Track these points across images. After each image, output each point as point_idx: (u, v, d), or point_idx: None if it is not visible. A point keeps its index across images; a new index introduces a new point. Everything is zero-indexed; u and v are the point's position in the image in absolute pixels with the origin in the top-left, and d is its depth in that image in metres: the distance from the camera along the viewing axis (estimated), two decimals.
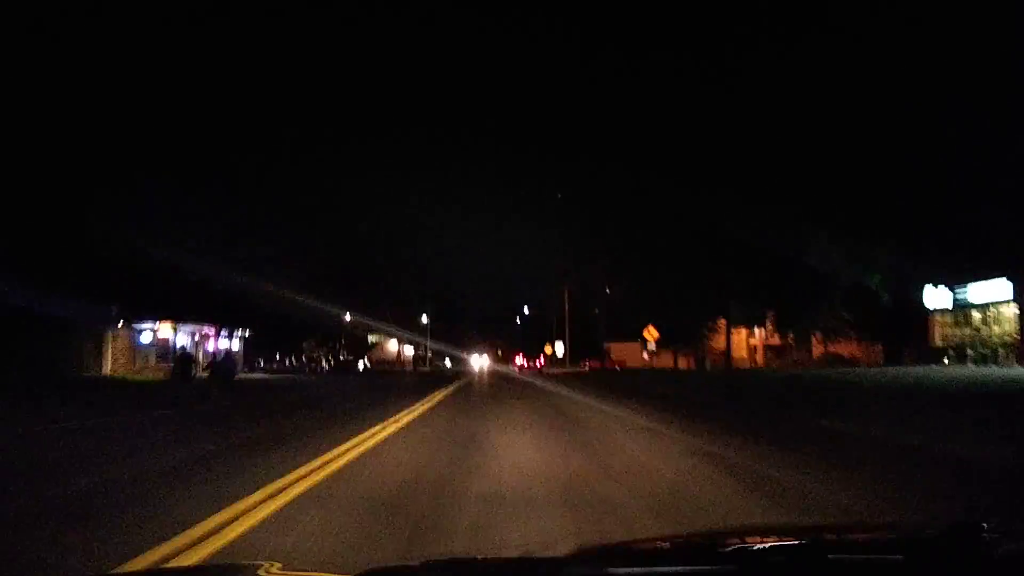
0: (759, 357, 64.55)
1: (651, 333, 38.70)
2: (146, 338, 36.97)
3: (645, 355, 47.28)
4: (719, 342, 56.04)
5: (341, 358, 64.23)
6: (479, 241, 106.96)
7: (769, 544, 1.78)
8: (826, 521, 4.90)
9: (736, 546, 1.84)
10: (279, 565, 1.77)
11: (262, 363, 54.68)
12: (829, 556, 1.54)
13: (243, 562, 3.40)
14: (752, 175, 43.66)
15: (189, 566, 3.59)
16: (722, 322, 49.92)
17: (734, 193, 43.26)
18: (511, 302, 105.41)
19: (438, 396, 19.98)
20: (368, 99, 74.02)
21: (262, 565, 1.72)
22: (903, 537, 1.91)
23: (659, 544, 2.09)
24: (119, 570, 3.48)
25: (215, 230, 53.55)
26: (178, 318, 37.79)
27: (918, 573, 1.42)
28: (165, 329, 37.03)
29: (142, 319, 36.77)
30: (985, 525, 1.55)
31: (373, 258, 74.61)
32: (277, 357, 58.39)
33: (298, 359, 58.60)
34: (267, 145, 63.06)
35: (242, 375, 43.24)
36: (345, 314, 68.70)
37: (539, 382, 32.37)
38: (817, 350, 58.21)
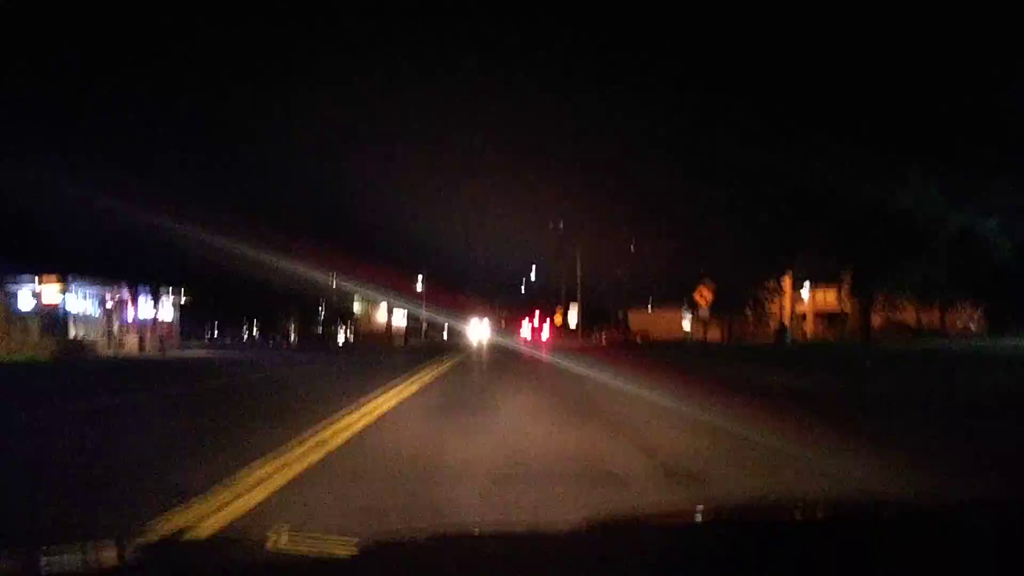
0: (808, 326, 54.73)
1: (704, 294, 28.95)
2: (25, 302, 27.24)
3: (686, 324, 37.65)
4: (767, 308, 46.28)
5: (320, 330, 54.68)
6: (482, 197, 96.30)
7: (777, 518, 1.87)
8: (840, 495, 4.44)
9: (746, 520, 1.87)
10: (288, 534, 1.84)
11: (216, 335, 44.95)
12: (838, 531, 1.59)
13: (255, 532, 3.55)
14: (822, 101, 33.60)
15: (201, 537, 3.61)
16: (777, 282, 40.18)
17: (801, 125, 33.43)
18: (517, 267, 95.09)
19: (380, 405, 10.35)
20: (361, 20, 63.25)
21: (269, 536, 1.74)
22: (910, 512, 1.90)
23: (668, 517, 2.05)
24: (137, 541, 3.02)
25: (147, 167, 43.62)
26: (71, 275, 27.98)
27: (921, 548, 1.39)
28: (51, 290, 27.24)
29: (18, 275, 27.03)
30: (994, 502, 1.72)
31: (360, 214, 64.76)
32: (245, 329, 48.54)
33: (263, 331, 48.85)
34: (228, 66, 52.70)
35: (160, 354, 33.26)
36: (328, 278, 59.12)
37: (562, 362, 22.78)
38: (880, 317, 48.58)
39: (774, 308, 47.27)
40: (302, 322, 51.45)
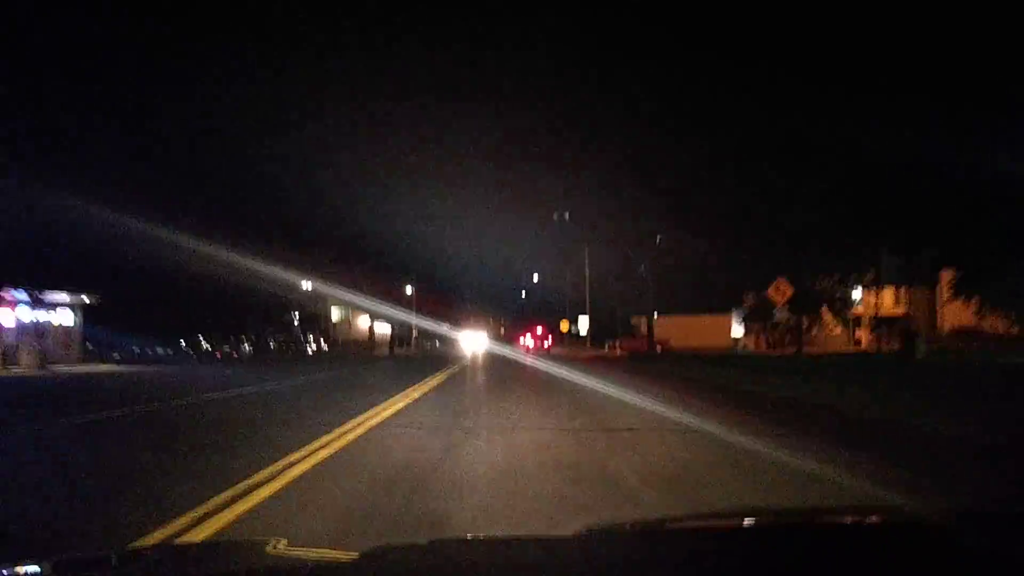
0: (863, 336, 46.25)
1: (782, 290, 20.58)
2: None
3: (737, 332, 29.33)
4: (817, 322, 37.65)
5: (281, 340, 46.30)
6: (480, 195, 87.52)
7: (769, 525, 1.87)
8: (826, 504, 4.32)
9: (739, 527, 1.87)
10: (285, 541, 1.77)
11: (153, 347, 36.39)
12: (837, 539, 1.59)
13: (251, 538, 3.51)
14: (908, 51, 25.31)
15: (199, 541, 3.52)
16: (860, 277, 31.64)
17: (881, 85, 25.33)
18: (517, 272, 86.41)
19: None
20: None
21: (269, 541, 1.71)
22: (882, 523, 1.89)
23: (667, 524, 2.05)
24: (133, 545, 3.36)
25: (60, 139, 35.44)
26: None
27: (887, 560, 1.37)
28: None
29: None
30: (955, 515, 1.69)
31: (343, 211, 56.54)
32: (184, 339, 39.66)
33: (215, 341, 40.38)
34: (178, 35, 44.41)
35: (40, 371, 24.33)
36: (300, 281, 50.73)
37: (577, 381, 14.50)
38: (950, 323, 40.29)
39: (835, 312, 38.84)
40: (266, 330, 43.02)
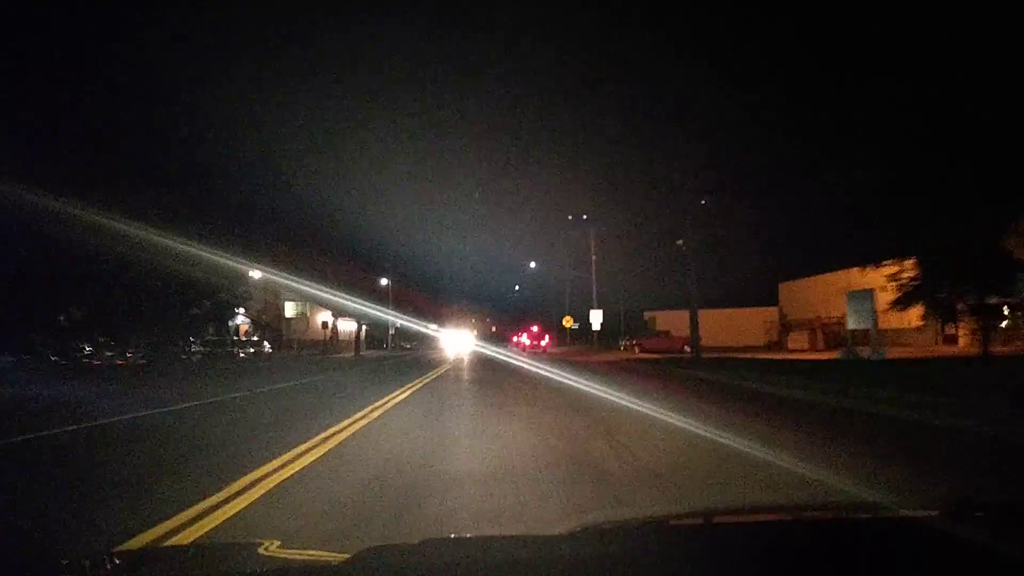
0: (962, 333, 35.87)
1: None
2: None
3: (863, 322, 19.08)
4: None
5: (201, 339, 35.94)
6: (469, 182, 76.59)
7: (761, 522, 1.88)
8: (812, 501, 4.30)
9: (730, 524, 1.87)
10: (279, 543, 1.78)
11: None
12: (825, 536, 1.58)
13: (244, 540, 3.44)
14: None
15: (190, 544, 3.43)
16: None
17: None
18: (510, 262, 75.83)
19: None
20: None
21: (262, 543, 1.70)
22: (866, 520, 1.89)
23: (657, 522, 2.03)
24: (120, 548, 3.22)
25: None
26: None
27: (873, 557, 1.38)
28: None
29: None
30: (935, 513, 1.66)
31: (303, 192, 45.83)
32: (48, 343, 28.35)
33: (111, 343, 29.80)
34: None
35: None
36: (249, 271, 40.31)
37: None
38: None
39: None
40: (176, 329, 32.46)
